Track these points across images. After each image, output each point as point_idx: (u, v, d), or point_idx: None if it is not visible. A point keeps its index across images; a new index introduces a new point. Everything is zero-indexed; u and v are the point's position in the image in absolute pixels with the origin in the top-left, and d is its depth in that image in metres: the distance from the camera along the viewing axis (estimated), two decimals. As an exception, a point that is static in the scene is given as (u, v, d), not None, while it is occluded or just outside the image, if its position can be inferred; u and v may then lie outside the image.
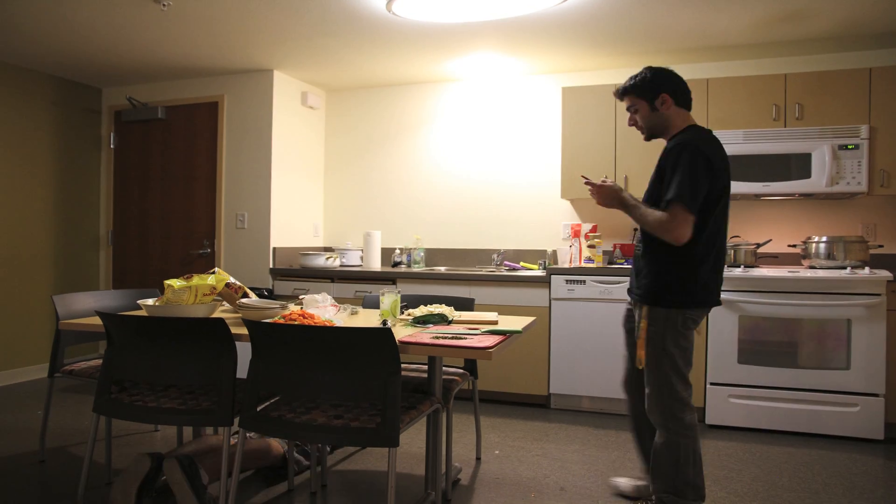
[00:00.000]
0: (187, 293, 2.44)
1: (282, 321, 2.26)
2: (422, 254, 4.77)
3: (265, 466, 2.79)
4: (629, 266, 3.94)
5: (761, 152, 3.73)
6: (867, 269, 3.46)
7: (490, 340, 2.09)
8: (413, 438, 3.32)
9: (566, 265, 4.20)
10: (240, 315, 2.60)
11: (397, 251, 4.86)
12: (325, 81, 4.99)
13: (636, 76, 2.33)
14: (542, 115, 4.66)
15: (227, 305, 2.92)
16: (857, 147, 3.63)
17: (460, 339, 2.10)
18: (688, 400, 2.27)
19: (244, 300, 2.67)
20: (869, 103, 3.68)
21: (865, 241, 3.65)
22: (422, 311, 2.51)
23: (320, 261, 4.57)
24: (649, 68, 2.32)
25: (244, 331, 2.18)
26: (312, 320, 2.28)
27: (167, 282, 2.49)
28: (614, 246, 4.32)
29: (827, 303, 3.43)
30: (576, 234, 4.27)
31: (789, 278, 3.50)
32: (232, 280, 2.72)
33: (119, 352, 2.33)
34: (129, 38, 3.96)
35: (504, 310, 3.96)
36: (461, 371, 2.90)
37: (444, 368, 2.80)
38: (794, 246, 3.88)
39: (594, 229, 4.28)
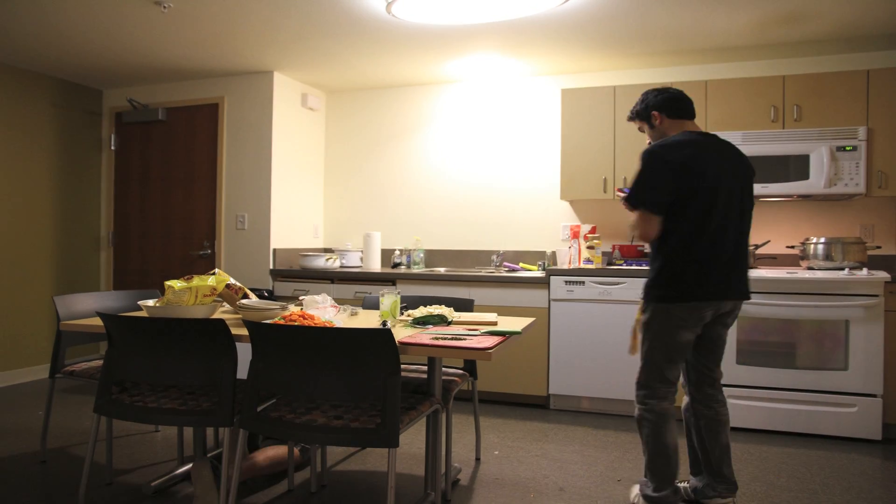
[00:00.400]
0: (188, 294, 2.45)
1: (282, 322, 2.27)
2: (421, 255, 4.79)
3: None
4: (628, 267, 3.95)
5: (760, 153, 3.74)
6: (865, 270, 3.47)
7: (489, 341, 2.09)
8: (413, 439, 3.33)
9: (565, 266, 4.21)
10: (240, 316, 2.61)
11: (397, 252, 4.87)
12: (325, 83, 5.00)
13: (637, 103, 2.57)
14: (541, 117, 4.68)
15: (227, 306, 2.93)
16: (855, 148, 3.64)
17: (460, 339, 2.11)
18: (660, 393, 2.38)
19: (244, 301, 2.68)
20: (867, 105, 3.69)
21: (863, 242, 3.66)
22: (421, 311, 2.51)
23: (320, 262, 4.58)
24: (645, 93, 2.54)
25: (244, 331, 2.19)
26: (312, 321, 2.29)
27: (167, 283, 2.50)
28: (613, 247, 4.33)
29: (825, 304, 3.44)
30: (575, 235, 4.28)
31: (788, 279, 3.51)
32: (232, 281, 2.73)
33: (120, 352, 2.34)
34: (130, 39, 3.97)
35: (503, 311, 3.97)
36: (461, 372, 2.90)
37: (443, 369, 2.81)
38: (793, 247, 3.89)
39: (593, 230, 4.29)
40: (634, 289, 3.77)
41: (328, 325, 2.18)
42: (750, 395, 3.54)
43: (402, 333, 2.23)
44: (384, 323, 2.44)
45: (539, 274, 4.13)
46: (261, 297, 4.04)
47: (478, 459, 3.08)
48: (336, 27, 3.72)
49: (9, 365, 4.58)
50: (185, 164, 4.97)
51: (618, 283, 3.81)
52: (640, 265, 4.01)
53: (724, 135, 3.71)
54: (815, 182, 3.68)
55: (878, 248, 3.79)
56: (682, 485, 2.59)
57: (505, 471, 2.94)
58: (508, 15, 3.46)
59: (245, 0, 3.34)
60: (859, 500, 2.64)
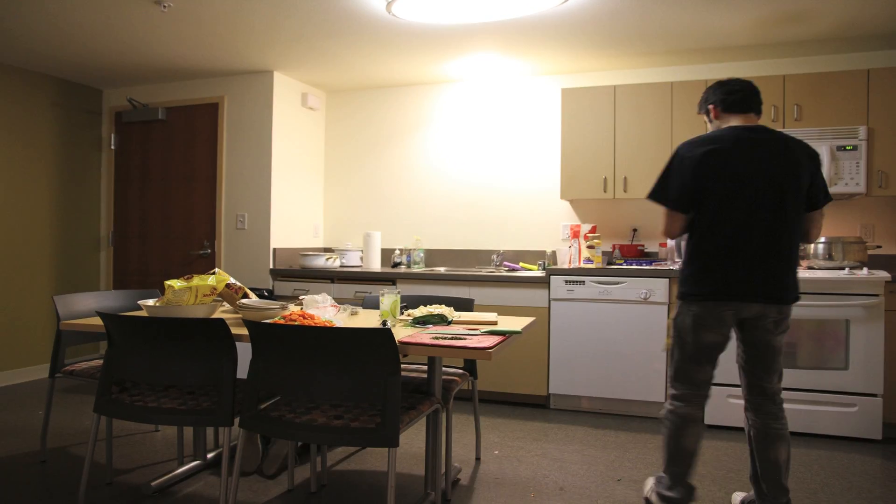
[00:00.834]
0: (188, 294, 2.45)
1: (282, 322, 2.27)
2: (421, 254, 4.78)
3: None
4: (628, 267, 3.95)
5: (760, 153, 3.73)
6: (865, 270, 3.47)
7: (489, 341, 2.09)
8: (413, 438, 3.33)
9: (565, 266, 4.21)
10: (240, 315, 2.61)
11: (397, 252, 4.87)
12: (325, 82, 5.00)
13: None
14: (541, 116, 4.67)
15: (227, 306, 2.93)
16: (855, 148, 3.64)
17: (460, 339, 2.11)
18: (687, 396, 2.35)
19: (244, 301, 2.68)
20: (867, 104, 3.69)
21: (864, 241, 3.66)
22: (421, 311, 2.51)
23: (320, 261, 4.58)
24: (710, 86, 2.46)
25: (244, 331, 2.19)
26: (312, 321, 2.29)
27: (167, 282, 2.50)
28: (613, 246, 4.33)
29: (825, 303, 3.44)
30: (575, 234, 4.28)
31: (788, 279, 3.50)
32: (232, 281, 2.73)
33: (120, 352, 2.34)
34: (130, 39, 3.97)
35: (503, 310, 3.97)
36: (461, 371, 2.90)
37: (443, 369, 2.81)
38: (793, 246, 3.88)
39: (593, 230, 4.29)
40: (634, 288, 3.77)
41: (328, 325, 2.18)
42: (750, 395, 3.54)
43: (402, 333, 2.23)
44: (384, 322, 2.44)
45: (539, 273, 4.13)
46: (261, 296, 4.04)
47: (478, 459, 3.08)
48: (336, 27, 3.72)
49: (9, 365, 4.58)
50: (185, 163, 4.97)
51: (618, 283, 3.81)
52: (640, 265, 4.01)
53: (724, 134, 3.75)
54: (816, 182, 3.67)
55: (879, 247, 3.79)
56: (741, 495, 2.53)
57: (505, 470, 2.94)
58: (508, 14, 3.46)
59: (245, 0, 3.35)
60: (859, 499, 2.64)
